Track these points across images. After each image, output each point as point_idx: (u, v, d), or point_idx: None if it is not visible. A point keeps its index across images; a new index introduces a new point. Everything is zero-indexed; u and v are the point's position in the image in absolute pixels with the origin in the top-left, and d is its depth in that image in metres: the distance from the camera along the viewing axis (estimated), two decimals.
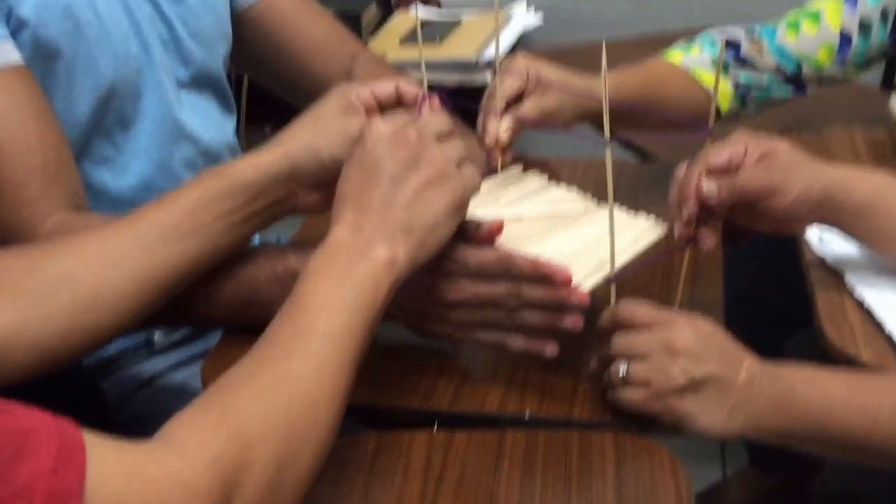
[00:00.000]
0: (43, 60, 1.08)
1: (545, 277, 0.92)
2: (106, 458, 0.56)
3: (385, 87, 0.99)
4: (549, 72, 1.20)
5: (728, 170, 1.03)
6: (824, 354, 1.01)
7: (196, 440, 0.64)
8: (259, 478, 0.64)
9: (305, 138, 0.96)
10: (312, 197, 1.00)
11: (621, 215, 0.99)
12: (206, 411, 0.67)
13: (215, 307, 1.01)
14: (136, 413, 1.20)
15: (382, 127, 0.87)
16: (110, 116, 1.16)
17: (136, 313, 0.91)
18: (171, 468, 0.60)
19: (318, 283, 0.77)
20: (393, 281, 0.81)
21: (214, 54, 1.29)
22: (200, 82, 1.27)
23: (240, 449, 0.64)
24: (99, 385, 1.19)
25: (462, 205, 0.89)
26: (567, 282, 0.92)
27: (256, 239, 1.10)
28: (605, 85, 0.90)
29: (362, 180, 0.84)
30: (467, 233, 0.94)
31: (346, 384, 0.76)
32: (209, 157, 1.26)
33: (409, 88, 1.00)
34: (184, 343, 1.26)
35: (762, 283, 1.65)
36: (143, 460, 0.59)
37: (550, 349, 0.95)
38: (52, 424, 0.55)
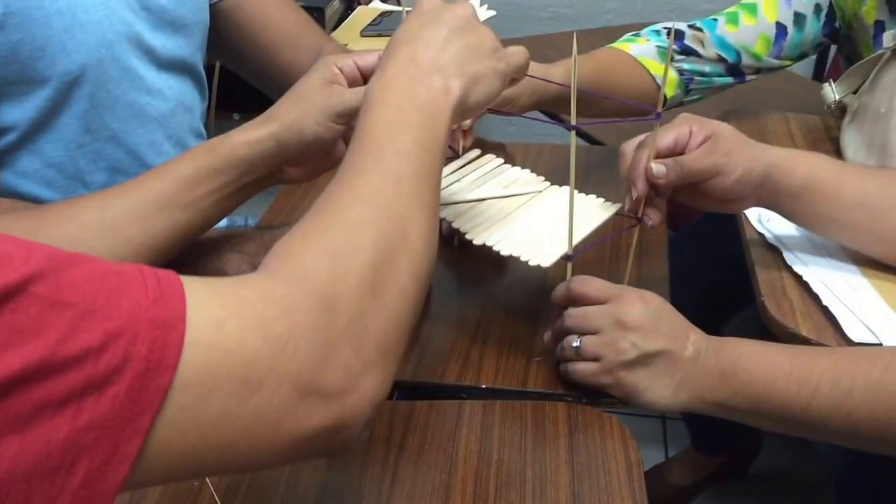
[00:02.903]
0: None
1: None
2: (200, 288, 0.54)
3: (368, 59, 0.96)
4: None
5: (674, 151, 1.01)
6: (762, 333, 0.99)
7: (285, 263, 0.60)
8: (357, 284, 0.59)
9: (290, 118, 0.93)
10: (298, 171, 0.99)
11: (577, 196, 0.98)
12: (292, 237, 0.63)
13: None
14: None
15: (437, 2, 0.83)
16: (84, 102, 1.11)
17: None
18: (263, 288, 0.56)
19: (379, 109, 0.73)
20: (451, 110, 0.76)
21: (192, 41, 1.25)
22: (179, 68, 1.23)
23: (330, 262, 0.60)
24: None
25: (506, 74, 0.84)
26: None
27: (224, 222, 1.07)
28: (574, 74, 0.87)
29: (419, 26, 0.80)
30: None
31: (430, 200, 0.70)
32: (175, 142, 1.22)
33: None
34: None
35: (700, 266, 1.65)
36: (234, 285, 0.57)
37: None
38: (144, 266, 0.53)
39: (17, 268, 0.46)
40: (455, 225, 1.00)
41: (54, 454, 0.45)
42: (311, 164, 0.98)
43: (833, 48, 1.67)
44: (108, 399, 0.46)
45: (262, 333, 0.53)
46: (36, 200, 1.11)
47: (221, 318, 0.52)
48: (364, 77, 0.96)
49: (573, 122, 0.89)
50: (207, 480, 0.84)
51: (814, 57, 1.81)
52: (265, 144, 0.93)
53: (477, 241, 0.97)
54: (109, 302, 0.48)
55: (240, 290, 0.56)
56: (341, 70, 0.94)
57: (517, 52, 0.85)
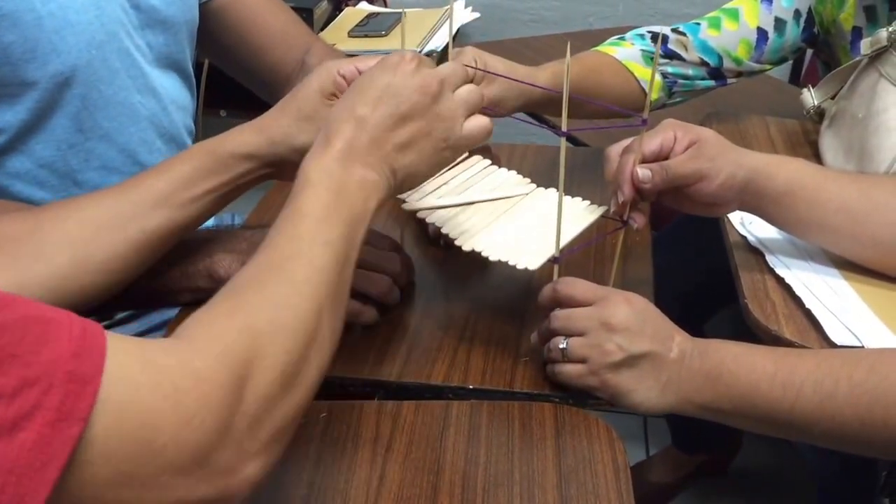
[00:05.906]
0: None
1: None
2: (123, 348, 0.54)
3: (370, 63, 0.94)
4: (496, 62, 1.15)
5: (659, 156, 1.00)
6: (742, 333, 0.97)
7: (207, 334, 0.61)
8: (271, 368, 0.61)
9: (285, 128, 0.92)
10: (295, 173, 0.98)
11: (564, 198, 0.95)
12: (216, 308, 0.64)
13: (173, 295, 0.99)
14: None
15: (412, 66, 0.82)
16: (76, 102, 1.08)
17: (126, 274, 0.89)
18: (182, 358, 0.57)
19: (317, 193, 0.74)
20: (378, 202, 0.78)
21: (181, 40, 1.22)
22: (168, 66, 1.21)
23: (250, 341, 0.61)
24: None
25: (451, 160, 0.87)
26: None
27: (211, 221, 1.04)
28: (567, 80, 0.85)
29: (374, 102, 0.80)
30: None
31: (344, 291, 0.72)
32: (167, 139, 1.20)
33: None
34: (144, 313, 1.19)
35: (681, 265, 1.63)
36: (156, 350, 0.57)
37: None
38: (74, 316, 0.53)
39: None
40: (444, 230, 0.98)
41: None
42: None
43: (809, 52, 1.66)
44: (18, 445, 0.46)
45: (172, 403, 0.54)
46: (28, 201, 1.09)
47: (139, 382, 0.53)
48: None
49: (564, 127, 0.87)
50: None
51: (791, 61, 1.79)
52: (263, 152, 0.92)
53: (466, 248, 0.95)
54: (32, 349, 0.48)
55: (161, 357, 0.56)
56: (344, 77, 0.92)
57: (478, 128, 0.85)
